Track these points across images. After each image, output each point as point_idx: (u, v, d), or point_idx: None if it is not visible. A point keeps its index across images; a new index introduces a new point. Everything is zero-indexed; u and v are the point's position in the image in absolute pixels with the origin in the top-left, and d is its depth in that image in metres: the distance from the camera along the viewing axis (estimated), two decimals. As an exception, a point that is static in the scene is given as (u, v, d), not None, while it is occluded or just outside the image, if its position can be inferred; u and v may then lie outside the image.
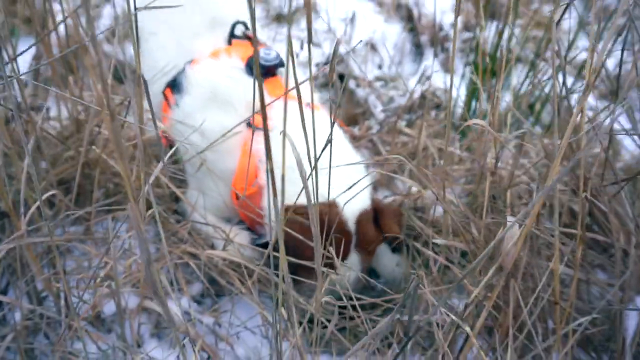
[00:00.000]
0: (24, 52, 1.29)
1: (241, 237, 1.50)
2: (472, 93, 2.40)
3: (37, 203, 1.07)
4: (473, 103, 2.37)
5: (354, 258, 1.38)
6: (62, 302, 1.20)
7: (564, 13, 1.37)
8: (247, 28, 1.66)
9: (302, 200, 0.94)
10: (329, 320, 1.17)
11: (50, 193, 1.15)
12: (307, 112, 0.85)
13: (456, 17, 1.15)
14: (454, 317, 1.03)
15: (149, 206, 1.15)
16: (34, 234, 1.25)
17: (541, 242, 1.25)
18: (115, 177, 1.57)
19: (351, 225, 1.35)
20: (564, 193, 1.42)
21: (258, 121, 1.37)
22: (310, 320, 1.21)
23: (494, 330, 1.23)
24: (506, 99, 2.28)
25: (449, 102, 1.26)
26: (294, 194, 1.03)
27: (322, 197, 1.21)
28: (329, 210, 1.29)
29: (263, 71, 1.50)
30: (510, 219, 1.06)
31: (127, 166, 0.74)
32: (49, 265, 1.30)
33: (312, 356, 1.15)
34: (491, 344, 1.22)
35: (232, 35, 1.63)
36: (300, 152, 0.85)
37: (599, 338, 1.26)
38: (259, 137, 1.34)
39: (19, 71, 1.29)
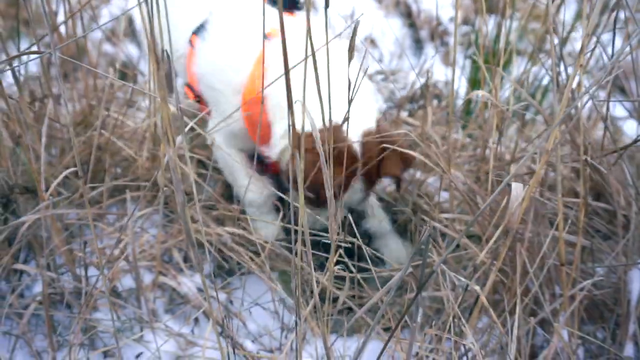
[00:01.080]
0: (41, 39, 1.33)
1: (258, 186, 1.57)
2: (473, 85, 2.45)
3: (60, 177, 1.11)
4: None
5: (358, 183, 1.41)
6: (82, 273, 1.23)
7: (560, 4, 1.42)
8: None
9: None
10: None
11: (69, 170, 1.19)
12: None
13: (457, 13, 1.20)
14: (463, 279, 1.07)
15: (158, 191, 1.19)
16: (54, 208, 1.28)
17: (545, 211, 1.29)
18: (124, 162, 1.60)
19: (356, 147, 1.37)
20: (565, 166, 1.46)
21: (271, 32, 1.46)
22: (322, 299, 1.24)
23: (502, 298, 1.26)
24: (507, 92, 2.33)
25: (451, 91, 1.30)
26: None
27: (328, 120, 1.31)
28: (333, 133, 1.30)
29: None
30: (514, 183, 1.09)
31: (168, 108, 0.77)
32: (66, 243, 1.33)
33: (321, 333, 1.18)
34: (499, 311, 1.25)
35: None
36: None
37: (605, 302, 1.28)
38: (272, 44, 1.41)
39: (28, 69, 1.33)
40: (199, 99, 1.71)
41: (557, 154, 1.06)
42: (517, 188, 1.05)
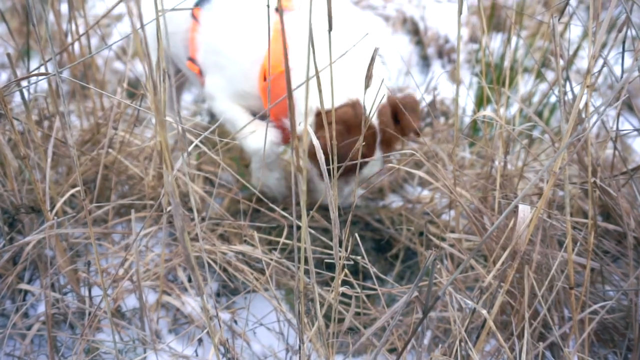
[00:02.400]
0: (49, 60, 1.34)
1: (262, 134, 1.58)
2: (480, 102, 2.44)
3: (65, 197, 1.11)
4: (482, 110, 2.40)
5: (378, 154, 1.52)
6: (87, 293, 1.22)
7: (561, 16, 1.41)
8: None
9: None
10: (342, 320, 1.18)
11: (76, 189, 1.19)
12: None
13: (459, 30, 1.21)
14: (470, 302, 1.05)
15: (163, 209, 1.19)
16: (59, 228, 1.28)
17: (554, 233, 1.27)
18: (132, 180, 1.61)
19: (374, 121, 1.47)
20: (574, 186, 1.44)
21: (283, 5, 1.51)
22: (328, 317, 1.22)
23: (510, 320, 1.23)
24: (514, 109, 2.32)
25: (456, 109, 1.30)
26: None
27: (344, 96, 1.42)
28: (354, 108, 1.42)
29: None
30: (522, 205, 1.08)
31: (166, 133, 0.77)
32: (71, 262, 1.33)
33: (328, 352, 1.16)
34: (507, 334, 1.22)
35: None
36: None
37: (615, 325, 1.26)
38: (288, 19, 1.44)
39: (37, 89, 1.35)
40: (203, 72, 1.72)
41: (564, 176, 1.05)
42: (524, 210, 1.03)
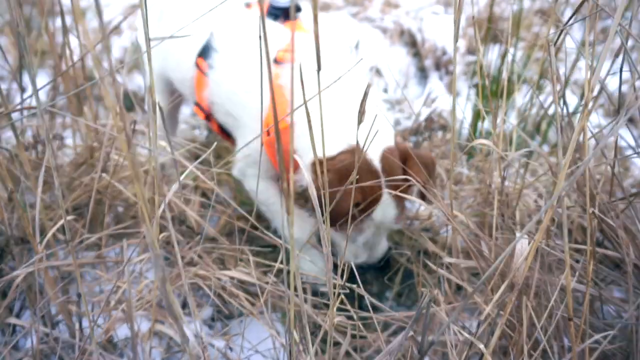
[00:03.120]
0: (43, 87, 1.32)
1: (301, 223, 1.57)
2: (478, 114, 2.43)
3: (54, 228, 1.09)
4: (479, 124, 2.39)
5: (386, 197, 1.40)
6: (77, 325, 1.20)
7: (560, 34, 1.40)
8: None
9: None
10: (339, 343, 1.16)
11: (69, 218, 1.17)
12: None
13: (455, 42, 1.18)
14: (467, 335, 1.03)
15: (161, 230, 1.18)
16: (49, 259, 1.27)
17: (552, 259, 1.25)
18: (126, 203, 1.59)
19: (378, 166, 1.38)
20: (573, 210, 1.43)
21: (280, 57, 1.49)
22: (324, 340, 1.20)
23: (509, 350, 1.22)
24: (512, 119, 2.31)
25: (453, 122, 1.28)
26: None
27: (343, 141, 1.36)
28: (353, 155, 1.32)
29: (278, 13, 1.61)
30: (519, 235, 1.06)
31: (143, 189, 0.76)
32: (63, 291, 1.31)
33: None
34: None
35: None
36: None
37: (615, 354, 1.24)
38: (285, 72, 1.44)
39: (39, 103, 1.33)
40: (209, 117, 1.71)
41: (562, 207, 1.03)
42: (521, 243, 1.02)
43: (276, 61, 1.51)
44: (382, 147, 1.40)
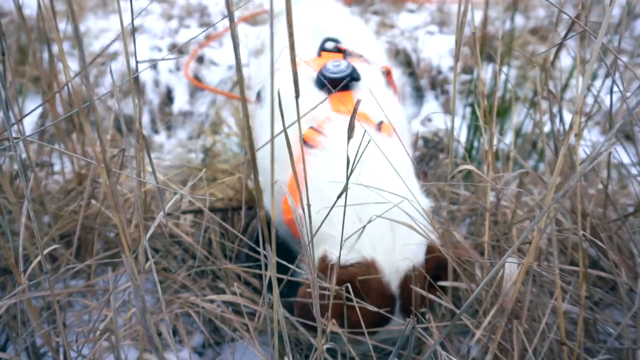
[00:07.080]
0: (30, 113, 1.33)
1: None
2: (474, 134, 2.42)
3: (39, 258, 1.08)
4: (475, 143, 2.38)
5: (396, 323, 1.21)
6: (61, 357, 1.18)
7: (558, 51, 1.40)
8: (338, 42, 1.62)
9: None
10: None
11: (51, 248, 1.17)
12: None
13: (456, 63, 1.17)
14: (457, 361, 1.00)
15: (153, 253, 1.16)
16: (34, 288, 1.25)
17: (544, 280, 1.23)
18: (115, 229, 1.58)
19: (394, 289, 1.17)
20: (567, 231, 1.40)
21: (308, 135, 1.31)
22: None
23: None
24: (508, 138, 2.30)
25: (450, 143, 1.27)
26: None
27: (364, 253, 1.15)
28: (366, 271, 1.15)
29: (330, 83, 1.39)
30: (509, 259, 1.04)
31: (124, 218, 0.75)
32: (49, 320, 1.30)
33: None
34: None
35: (322, 48, 1.59)
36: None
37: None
38: (309, 155, 1.26)
39: (24, 132, 1.34)
40: None
41: (551, 226, 1.02)
42: (510, 267, 1.00)
43: (305, 142, 1.31)
44: (408, 266, 1.18)
